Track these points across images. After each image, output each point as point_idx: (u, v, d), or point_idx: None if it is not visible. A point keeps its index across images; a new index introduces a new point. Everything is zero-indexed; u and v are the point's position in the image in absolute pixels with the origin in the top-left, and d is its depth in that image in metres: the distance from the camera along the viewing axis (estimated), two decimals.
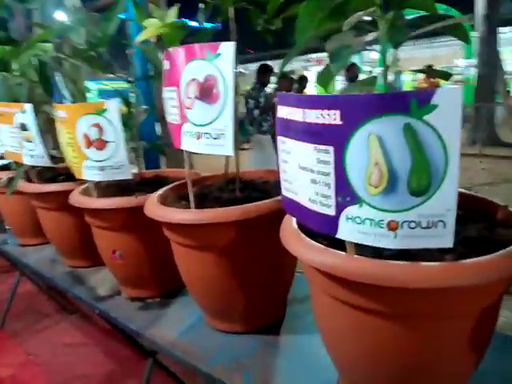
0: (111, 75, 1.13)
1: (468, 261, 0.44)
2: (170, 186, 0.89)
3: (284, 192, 0.57)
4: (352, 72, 4.00)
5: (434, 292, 0.44)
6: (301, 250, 0.52)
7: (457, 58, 10.72)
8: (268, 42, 0.79)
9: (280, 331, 0.81)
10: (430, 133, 0.41)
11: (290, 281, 0.83)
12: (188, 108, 0.67)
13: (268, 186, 0.83)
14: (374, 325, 0.51)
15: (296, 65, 18.20)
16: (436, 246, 0.44)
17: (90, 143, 0.87)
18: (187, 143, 0.69)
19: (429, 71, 0.67)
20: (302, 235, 0.54)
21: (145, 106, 1.04)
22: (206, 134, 0.65)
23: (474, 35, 6.46)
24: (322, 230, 0.51)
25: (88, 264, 1.21)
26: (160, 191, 0.85)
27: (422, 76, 8.17)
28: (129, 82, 0.97)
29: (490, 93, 6.49)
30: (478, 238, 0.53)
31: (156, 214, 0.74)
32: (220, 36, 0.69)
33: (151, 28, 0.68)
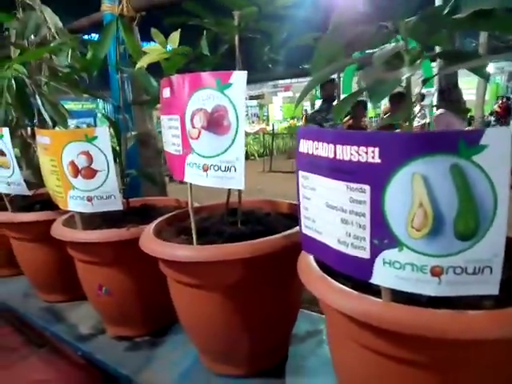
0: (84, 96, 1.07)
1: None
2: (164, 217, 0.83)
3: (304, 230, 0.54)
4: (329, 90, 3.82)
5: (479, 343, 0.41)
6: (329, 295, 0.48)
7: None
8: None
9: (285, 373, 0.76)
10: (479, 174, 0.38)
11: (294, 319, 0.78)
12: (194, 138, 0.63)
13: (270, 218, 0.79)
14: (406, 374, 0.47)
15: (264, 90, 18.57)
16: (481, 293, 0.41)
17: (77, 172, 0.81)
18: (192, 175, 0.65)
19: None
20: (329, 279, 0.50)
21: (134, 132, 0.98)
22: (214, 165, 0.61)
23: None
24: (353, 274, 0.47)
25: (66, 298, 1.12)
26: (154, 224, 0.79)
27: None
28: (117, 107, 0.92)
29: None
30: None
31: (154, 249, 0.68)
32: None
33: (153, 54, 0.64)
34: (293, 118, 14.80)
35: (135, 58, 0.89)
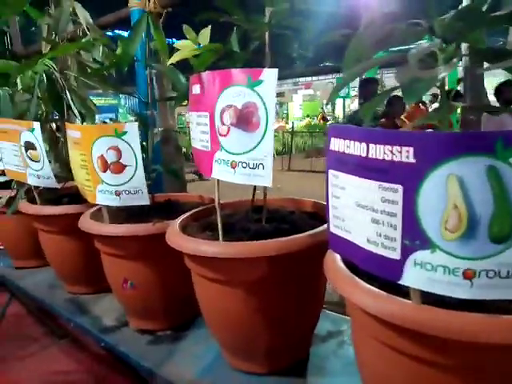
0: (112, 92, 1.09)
1: None
2: (190, 213, 0.84)
3: (332, 229, 0.53)
4: (369, 88, 3.50)
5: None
6: (358, 295, 0.48)
7: None
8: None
9: (306, 373, 0.76)
10: None
11: (316, 318, 0.78)
12: (223, 135, 0.63)
13: (295, 216, 0.79)
14: (432, 376, 0.46)
15: (285, 87, 18.48)
16: None
17: (106, 166, 0.82)
18: (220, 172, 0.65)
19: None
20: (357, 279, 0.49)
21: (161, 128, 0.99)
22: (242, 162, 0.61)
23: None
24: (382, 274, 0.47)
25: (91, 291, 1.14)
26: (180, 219, 0.80)
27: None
28: (145, 103, 0.93)
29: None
30: None
31: (181, 245, 0.69)
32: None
33: (185, 50, 0.64)
34: (307, 116, 14.64)
35: (163, 55, 0.91)
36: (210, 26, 0.67)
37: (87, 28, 0.97)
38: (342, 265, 0.54)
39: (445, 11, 0.46)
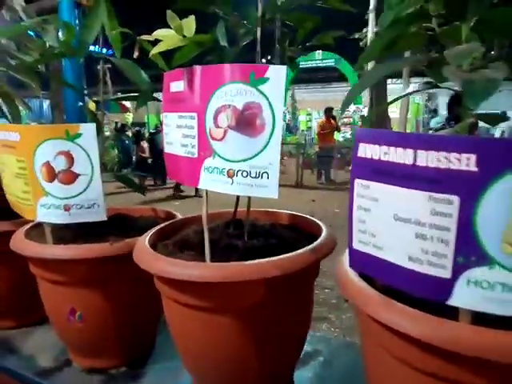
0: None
1: None
2: (155, 229, 0.73)
3: (356, 245, 0.48)
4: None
5: None
6: (394, 317, 0.43)
7: None
8: None
9: None
10: None
11: (304, 340, 0.72)
12: (217, 139, 0.55)
13: (278, 230, 0.73)
14: None
15: None
16: None
17: (53, 176, 0.69)
18: (211, 182, 0.57)
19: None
20: (387, 298, 0.44)
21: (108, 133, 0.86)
22: (242, 171, 0.54)
23: None
24: (426, 294, 0.42)
25: (17, 324, 0.95)
26: (147, 236, 0.69)
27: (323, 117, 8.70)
28: (96, 102, 0.80)
29: None
30: None
31: (158, 267, 0.59)
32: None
33: (168, 41, 0.55)
34: None
35: (115, 47, 0.79)
36: (193, 16, 0.59)
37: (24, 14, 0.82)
38: (364, 283, 0.48)
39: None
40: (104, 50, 0.85)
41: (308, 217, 0.76)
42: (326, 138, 8.23)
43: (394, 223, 0.43)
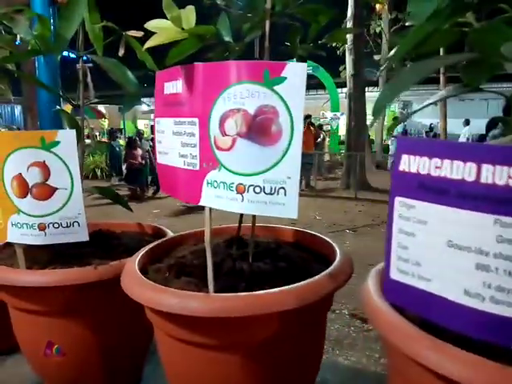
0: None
1: None
2: (145, 250, 0.64)
3: (396, 275, 0.41)
4: None
5: None
6: (449, 365, 0.35)
7: (324, 111, 11.67)
8: None
9: None
10: None
11: (318, 369, 0.64)
12: (223, 149, 0.47)
13: (284, 250, 0.65)
14: None
15: None
16: None
17: (26, 190, 0.59)
18: (216, 198, 0.48)
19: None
20: (432, 338, 0.37)
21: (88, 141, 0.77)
22: (254, 186, 0.46)
23: (345, 91, 7.01)
24: (488, 337, 0.35)
25: None
26: (136, 259, 0.60)
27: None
28: (74, 105, 0.70)
29: (358, 143, 7.10)
30: None
31: (153, 300, 0.50)
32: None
33: (164, 33, 0.47)
34: None
35: (97, 45, 0.70)
36: (192, 6, 0.51)
37: None
38: (404, 320, 0.41)
39: None
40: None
41: (317, 234, 0.69)
42: (305, 144, 8.24)
43: (448, 251, 0.36)
